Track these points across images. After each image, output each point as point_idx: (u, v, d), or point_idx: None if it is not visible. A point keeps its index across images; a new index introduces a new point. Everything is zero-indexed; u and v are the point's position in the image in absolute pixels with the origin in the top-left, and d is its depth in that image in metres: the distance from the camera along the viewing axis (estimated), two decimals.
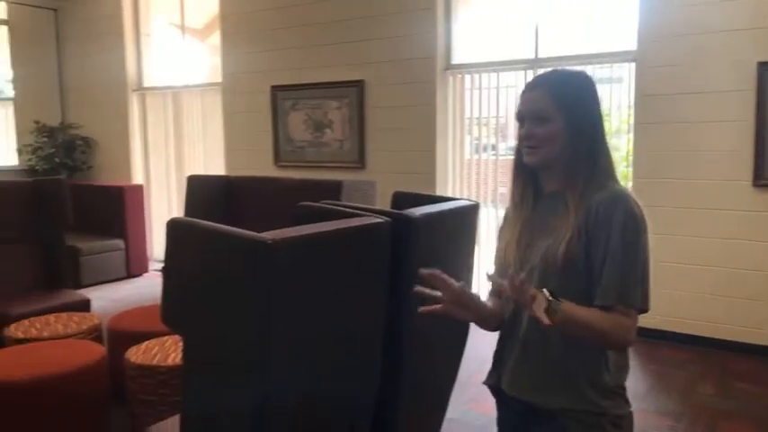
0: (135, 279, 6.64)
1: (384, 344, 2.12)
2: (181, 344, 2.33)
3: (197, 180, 5.27)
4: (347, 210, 2.18)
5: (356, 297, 2.00)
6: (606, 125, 1.50)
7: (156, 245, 7.27)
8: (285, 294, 1.69)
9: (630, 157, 4.58)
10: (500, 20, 5.34)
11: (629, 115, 4.65)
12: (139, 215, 6.82)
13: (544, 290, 1.24)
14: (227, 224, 1.80)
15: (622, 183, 1.45)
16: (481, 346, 1.56)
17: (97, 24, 7.42)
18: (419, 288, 1.38)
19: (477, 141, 5.53)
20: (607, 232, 1.31)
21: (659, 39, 4.36)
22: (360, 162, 5.75)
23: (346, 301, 1.95)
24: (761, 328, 4.21)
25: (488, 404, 1.58)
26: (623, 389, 1.42)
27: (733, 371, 4.00)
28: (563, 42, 5.02)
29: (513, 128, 5.38)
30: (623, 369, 1.42)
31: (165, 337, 3.10)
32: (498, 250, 1.53)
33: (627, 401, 1.42)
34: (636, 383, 3.75)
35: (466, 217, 2.59)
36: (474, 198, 5.19)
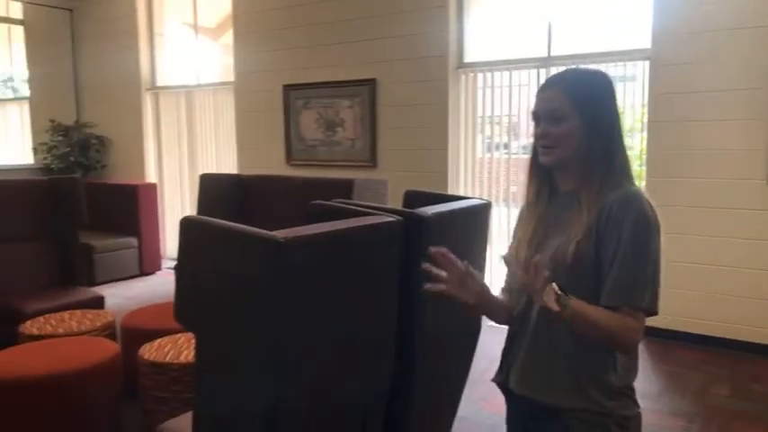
0: (148, 277, 6.69)
1: (396, 343, 2.12)
2: (193, 341, 2.34)
3: (209, 178, 5.30)
4: (359, 208, 2.18)
5: (368, 296, 2.00)
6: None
7: (169, 243, 7.33)
8: (297, 293, 1.69)
9: (644, 156, 4.54)
10: (513, 18, 5.32)
11: (643, 114, 4.62)
12: (153, 213, 6.87)
13: (554, 284, 1.23)
14: (240, 222, 1.81)
15: (636, 182, 1.44)
16: (492, 344, 1.56)
17: (112, 24, 7.48)
18: (426, 265, 1.37)
19: (489, 140, 5.51)
20: (618, 233, 1.30)
21: (673, 37, 4.32)
22: (371, 161, 5.76)
23: (358, 300, 1.95)
24: None
25: (499, 403, 1.57)
26: (631, 389, 1.41)
27: (747, 372, 3.96)
28: (576, 40, 4.99)
29: (525, 126, 5.37)
30: (631, 370, 1.41)
31: (178, 335, 3.12)
32: (511, 248, 1.52)
33: (635, 402, 1.41)
34: (649, 384, 3.73)
35: (478, 216, 2.58)
36: (486, 197, 5.17)
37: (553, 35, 5.00)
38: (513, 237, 1.55)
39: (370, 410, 2.12)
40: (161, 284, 6.29)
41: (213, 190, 5.16)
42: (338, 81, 5.87)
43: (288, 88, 6.20)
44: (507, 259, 1.32)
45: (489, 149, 5.51)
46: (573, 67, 1.58)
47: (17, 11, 8.21)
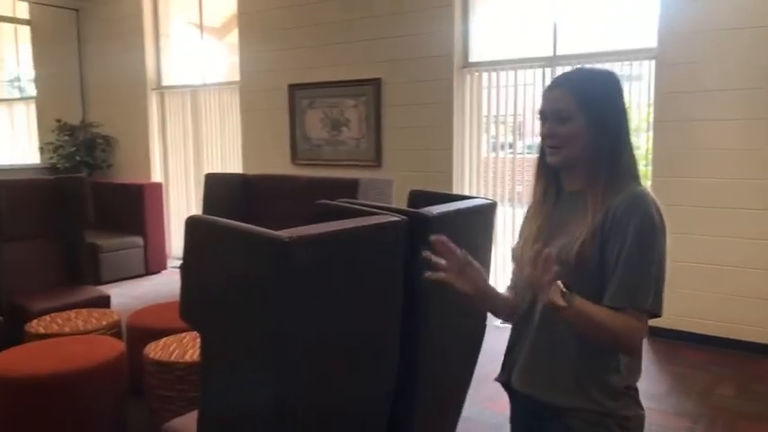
0: (153, 276, 6.72)
1: (400, 343, 2.12)
2: (199, 340, 2.35)
3: (215, 178, 5.31)
4: (364, 208, 2.18)
5: (372, 296, 2.00)
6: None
7: (175, 242, 7.34)
8: (302, 292, 1.70)
9: (649, 156, 4.53)
10: (518, 17, 5.31)
11: (649, 113, 4.60)
12: (158, 213, 6.90)
13: (559, 282, 1.23)
14: (245, 222, 1.81)
15: (643, 182, 1.43)
16: (497, 344, 1.56)
17: (118, 24, 7.51)
18: (426, 253, 1.38)
19: (494, 139, 5.51)
20: (623, 234, 1.30)
21: (680, 36, 4.31)
22: (376, 160, 5.76)
23: (363, 300, 1.95)
24: None
25: (504, 403, 1.57)
26: (634, 390, 1.41)
27: (752, 372, 3.95)
28: (582, 40, 4.98)
29: (530, 126, 5.36)
30: (635, 371, 1.41)
31: (184, 334, 3.13)
32: (516, 247, 1.52)
33: (637, 403, 1.41)
34: (654, 384, 3.72)
35: (483, 215, 2.58)
36: (491, 197, 5.17)
37: (559, 34, 4.99)
38: (520, 236, 1.55)
39: (374, 410, 2.13)
40: (166, 284, 6.31)
41: (218, 189, 5.17)
42: (343, 81, 5.87)
43: (293, 88, 6.21)
44: (515, 254, 1.31)
45: (494, 149, 5.50)
46: (581, 66, 1.57)
47: (24, 11, 8.25)
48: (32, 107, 8.69)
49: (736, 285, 4.25)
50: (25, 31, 8.49)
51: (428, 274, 1.38)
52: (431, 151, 5.45)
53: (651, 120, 4.55)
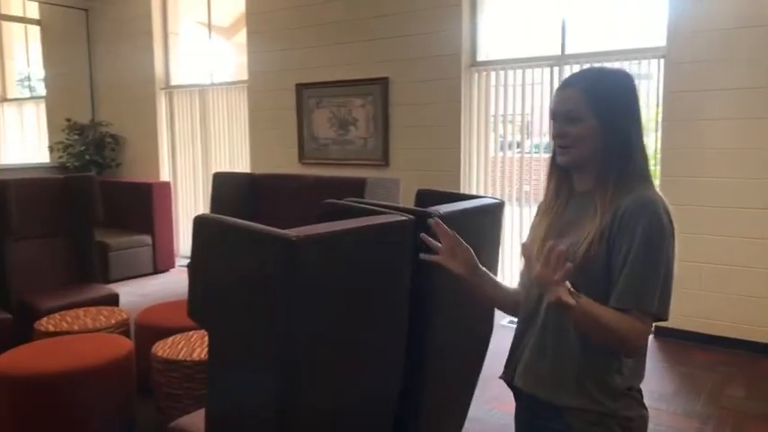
0: (162, 275, 6.75)
1: (406, 343, 2.12)
2: (206, 339, 2.36)
3: (222, 177, 5.33)
4: (371, 207, 2.18)
5: (379, 295, 2.00)
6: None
7: (183, 241, 7.38)
8: (309, 291, 1.70)
9: (658, 155, 4.50)
10: (526, 16, 5.30)
11: (658, 112, 4.58)
12: (166, 211, 6.92)
13: (566, 281, 1.22)
14: (252, 221, 1.82)
15: (654, 185, 1.42)
16: (504, 343, 1.56)
17: (127, 24, 7.54)
18: (423, 235, 1.47)
19: (502, 139, 5.49)
20: (631, 236, 1.29)
21: (688, 35, 4.28)
22: (384, 159, 5.76)
23: (369, 299, 1.95)
24: None
25: (511, 403, 1.57)
26: (637, 391, 1.40)
27: (762, 373, 3.92)
28: (590, 38, 4.96)
29: (538, 125, 5.35)
30: (637, 373, 1.40)
31: (191, 332, 3.14)
32: (525, 245, 1.52)
33: (640, 404, 1.40)
34: (663, 385, 3.70)
35: (491, 215, 2.57)
36: (499, 196, 5.16)
37: (567, 33, 4.97)
38: (530, 233, 1.55)
39: (380, 411, 2.13)
40: (174, 282, 6.34)
41: (226, 188, 5.18)
42: (351, 80, 5.87)
43: (301, 87, 6.22)
44: (525, 249, 1.29)
45: (502, 148, 5.49)
46: (594, 66, 1.57)
47: (34, 11, 8.31)
48: (42, 106, 8.75)
49: (745, 285, 4.22)
50: (35, 31, 8.55)
51: (423, 255, 1.46)
52: (438, 150, 5.45)
53: (659, 119, 4.53)
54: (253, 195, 5.20)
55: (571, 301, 1.19)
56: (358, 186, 4.34)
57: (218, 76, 7.23)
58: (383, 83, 5.68)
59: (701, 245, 4.28)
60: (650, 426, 3.17)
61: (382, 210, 2.12)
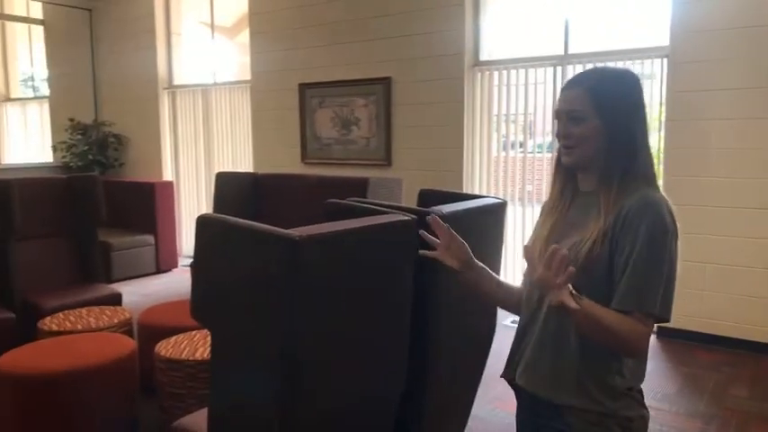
0: (164, 274, 6.76)
1: (409, 343, 2.12)
2: (209, 338, 2.36)
3: (225, 177, 5.33)
4: (374, 207, 2.18)
5: (382, 294, 2.00)
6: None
7: (186, 241, 7.39)
8: (312, 291, 1.70)
9: (661, 155, 4.50)
10: (529, 15, 5.29)
11: (661, 112, 4.57)
12: (169, 211, 6.93)
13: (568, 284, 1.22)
14: (255, 221, 1.82)
15: (659, 186, 1.41)
16: (507, 343, 1.55)
17: (130, 24, 7.56)
18: (422, 232, 1.53)
19: (504, 138, 5.49)
20: (633, 238, 1.29)
21: (692, 34, 4.27)
22: (386, 159, 5.76)
23: (372, 299, 1.95)
24: None
25: (513, 403, 1.57)
26: (638, 392, 1.40)
27: (766, 373, 3.91)
28: (594, 38, 4.95)
29: (541, 125, 5.34)
30: (638, 374, 1.39)
31: (194, 332, 3.14)
32: (528, 244, 1.52)
33: (640, 404, 1.40)
34: (667, 385, 3.69)
35: (493, 214, 2.57)
36: (501, 196, 5.15)
37: (570, 33, 4.96)
38: (534, 232, 1.55)
39: (383, 411, 2.13)
40: (177, 282, 6.34)
41: (229, 188, 5.19)
42: (353, 80, 5.87)
43: (303, 87, 6.22)
44: (527, 251, 1.29)
45: (505, 148, 5.49)
46: (599, 66, 1.57)
47: (37, 11, 8.33)
48: (46, 106, 8.77)
49: (748, 285, 4.21)
50: (39, 31, 8.57)
51: (422, 252, 1.51)
52: (441, 150, 5.45)
53: (663, 119, 4.52)
54: (255, 195, 5.20)
55: (573, 305, 1.18)
56: (360, 186, 4.34)
57: (221, 75, 7.24)
58: (386, 82, 5.67)
59: (705, 245, 4.27)
60: (654, 426, 3.18)
61: (385, 209, 2.12)
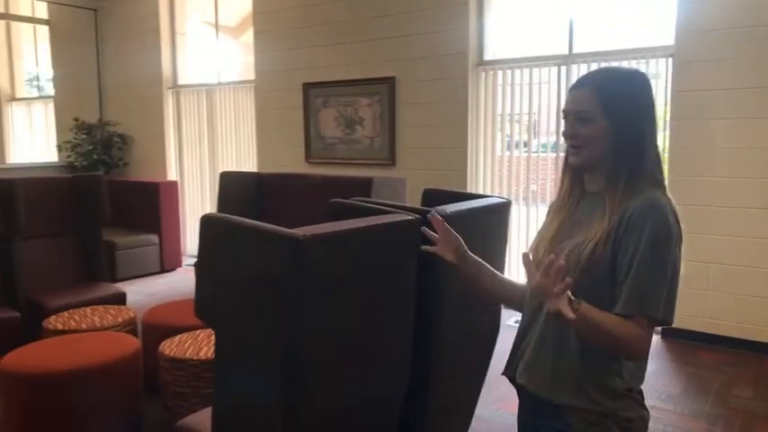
0: (169, 274, 6.77)
1: (413, 342, 2.12)
2: (213, 338, 2.36)
3: (229, 176, 5.34)
4: (378, 207, 2.18)
5: (386, 294, 2.00)
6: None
7: (190, 240, 7.40)
8: (316, 290, 1.70)
9: (665, 154, 4.48)
10: (534, 15, 5.28)
11: (666, 112, 4.55)
12: (174, 211, 6.94)
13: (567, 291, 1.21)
14: (259, 220, 1.82)
15: (666, 188, 1.40)
16: (510, 344, 1.55)
17: (135, 24, 7.57)
18: (424, 228, 1.57)
19: (508, 138, 5.48)
20: (636, 240, 1.28)
21: (697, 33, 4.26)
22: (390, 159, 5.76)
23: (376, 299, 1.95)
24: None
25: (517, 403, 1.57)
26: (638, 392, 1.40)
27: None
28: (598, 37, 4.94)
29: (545, 124, 5.33)
30: (638, 375, 1.39)
31: (198, 331, 3.15)
32: (533, 243, 1.52)
33: (640, 405, 1.39)
34: (671, 385, 3.68)
35: (497, 214, 2.57)
36: (505, 195, 5.15)
37: (574, 32, 4.95)
38: (539, 232, 1.55)
39: (386, 411, 2.13)
40: (181, 281, 6.35)
41: (233, 188, 5.19)
42: (357, 79, 5.87)
43: (307, 86, 6.23)
44: (525, 259, 1.29)
45: (509, 148, 5.48)
46: (609, 65, 1.56)
47: (43, 11, 8.35)
48: (51, 106, 8.80)
49: (752, 286, 4.20)
50: (44, 31, 8.60)
51: (423, 247, 1.56)
52: (445, 150, 5.44)
53: (668, 118, 4.50)
54: (260, 195, 5.21)
55: (570, 315, 1.17)
56: (364, 186, 4.34)
57: (226, 75, 7.25)
58: (390, 82, 5.67)
59: (709, 245, 4.26)
60: (658, 427, 3.17)
61: (389, 209, 2.12)
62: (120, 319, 3.58)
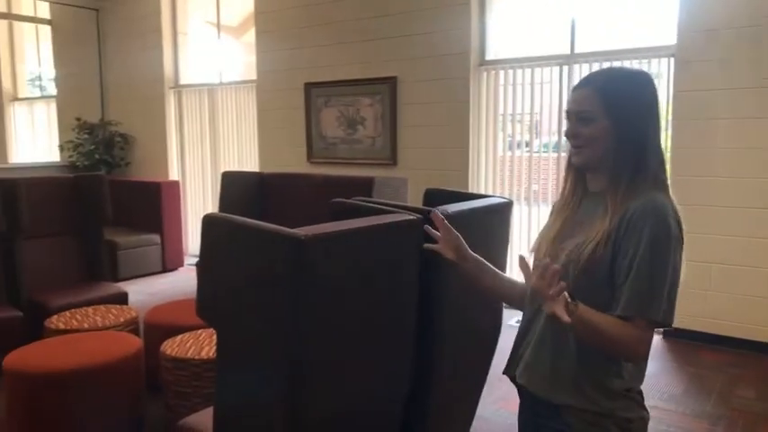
0: (170, 273, 6.77)
1: (415, 342, 2.12)
2: (215, 337, 2.37)
3: (231, 176, 5.34)
4: (379, 207, 2.18)
5: (387, 294, 2.00)
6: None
7: (192, 240, 7.40)
8: (317, 290, 1.70)
9: (668, 154, 4.48)
10: (535, 15, 5.28)
11: (667, 112, 4.55)
12: (175, 210, 6.95)
13: (564, 292, 1.20)
14: (261, 220, 1.82)
15: (669, 191, 1.39)
16: (512, 343, 1.55)
17: (137, 23, 7.58)
18: (426, 227, 1.59)
19: (510, 138, 5.48)
20: (636, 241, 1.27)
21: (699, 33, 4.25)
22: (392, 159, 5.75)
23: (377, 298, 1.95)
24: None
25: (518, 403, 1.57)
26: (637, 393, 1.39)
27: None
28: (600, 37, 4.94)
29: (547, 124, 5.33)
30: (638, 376, 1.39)
31: (200, 331, 3.15)
32: (535, 243, 1.52)
33: (639, 405, 1.39)
34: (673, 385, 3.68)
35: (499, 214, 2.56)
36: (507, 195, 5.15)
37: (576, 32, 4.95)
38: (541, 232, 1.55)
39: (388, 411, 2.13)
40: (183, 281, 6.36)
41: (235, 187, 5.20)
42: (359, 79, 5.87)
43: (309, 86, 6.23)
44: (522, 262, 1.29)
45: (511, 148, 5.47)
46: (613, 65, 1.56)
47: (45, 11, 8.36)
48: (53, 106, 8.81)
49: (754, 286, 4.19)
50: (46, 31, 8.61)
51: (426, 245, 1.57)
52: (446, 150, 5.44)
53: (669, 118, 4.50)
54: (261, 194, 5.21)
55: (565, 318, 1.17)
56: (366, 185, 4.35)
57: (227, 75, 7.25)
58: (391, 82, 5.67)
59: (711, 245, 4.25)
60: (661, 427, 3.17)
61: (390, 209, 2.12)
62: (121, 319, 3.59)
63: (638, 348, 1.28)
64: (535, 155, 5.35)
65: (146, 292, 5.77)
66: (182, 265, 6.98)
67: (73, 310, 3.75)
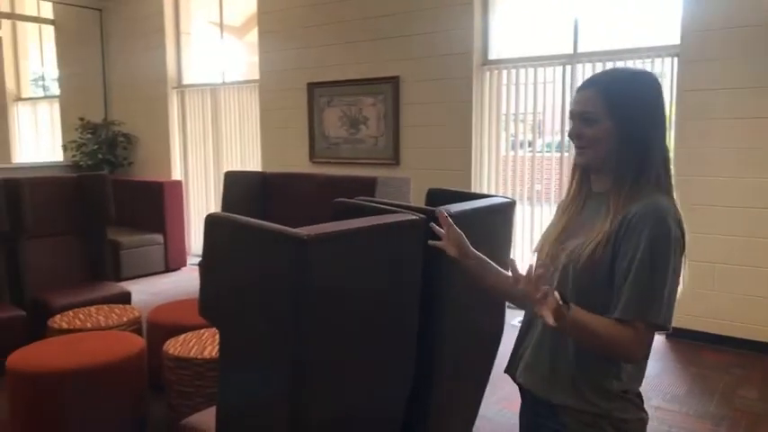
0: (173, 273, 6.78)
1: (417, 342, 2.11)
2: (217, 337, 2.37)
3: (234, 176, 5.35)
4: (382, 206, 2.18)
5: (390, 294, 2.00)
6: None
7: (194, 239, 7.41)
8: (320, 290, 1.70)
9: (671, 154, 4.46)
10: (538, 14, 5.27)
11: (671, 111, 4.54)
12: (178, 210, 6.96)
13: (555, 292, 1.19)
14: (264, 219, 1.82)
15: (673, 193, 1.38)
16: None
17: (140, 23, 7.59)
18: (432, 225, 1.59)
19: (513, 138, 5.47)
20: (635, 243, 1.27)
21: (703, 32, 4.24)
22: (394, 158, 5.75)
23: (380, 298, 1.95)
24: None
25: (520, 403, 1.57)
26: (635, 394, 1.39)
27: None
28: (603, 37, 4.93)
29: (550, 124, 5.32)
30: (636, 378, 1.38)
31: (203, 330, 3.15)
32: (538, 242, 1.52)
33: (637, 407, 1.38)
34: (676, 386, 3.67)
35: (502, 214, 2.56)
36: (510, 195, 5.14)
37: (579, 32, 4.94)
38: (544, 232, 1.55)
39: (390, 411, 2.12)
40: (186, 281, 6.37)
41: (238, 187, 5.20)
42: (362, 79, 5.87)
43: (312, 86, 6.23)
44: (513, 266, 1.28)
45: (513, 147, 5.47)
46: (617, 66, 1.56)
47: (48, 11, 8.38)
48: (56, 106, 8.83)
49: (755, 286, 4.18)
50: (49, 31, 8.63)
51: (431, 242, 1.58)
52: (449, 149, 5.44)
53: (673, 118, 4.49)
54: (264, 194, 5.21)
55: (551, 321, 1.17)
56: (369, 185, 4.35)
57: (230, 75, 7.26)
58: (394, 82, 5.67)
59: (714, 245, 4.25)
60: (663, 427, 3.16)
61: (393, 209, 2.12)
62: (124, 319, 3.60)
63: (634, 350, 1.28)
64: (538, 155, 5.34)
65: (148, 292, 5.78)
66: (184, 265, 6.99)
67: (76, 309, 3.76)
